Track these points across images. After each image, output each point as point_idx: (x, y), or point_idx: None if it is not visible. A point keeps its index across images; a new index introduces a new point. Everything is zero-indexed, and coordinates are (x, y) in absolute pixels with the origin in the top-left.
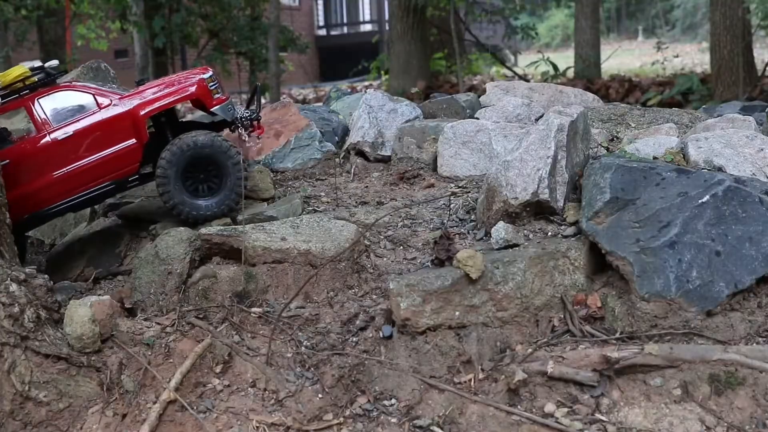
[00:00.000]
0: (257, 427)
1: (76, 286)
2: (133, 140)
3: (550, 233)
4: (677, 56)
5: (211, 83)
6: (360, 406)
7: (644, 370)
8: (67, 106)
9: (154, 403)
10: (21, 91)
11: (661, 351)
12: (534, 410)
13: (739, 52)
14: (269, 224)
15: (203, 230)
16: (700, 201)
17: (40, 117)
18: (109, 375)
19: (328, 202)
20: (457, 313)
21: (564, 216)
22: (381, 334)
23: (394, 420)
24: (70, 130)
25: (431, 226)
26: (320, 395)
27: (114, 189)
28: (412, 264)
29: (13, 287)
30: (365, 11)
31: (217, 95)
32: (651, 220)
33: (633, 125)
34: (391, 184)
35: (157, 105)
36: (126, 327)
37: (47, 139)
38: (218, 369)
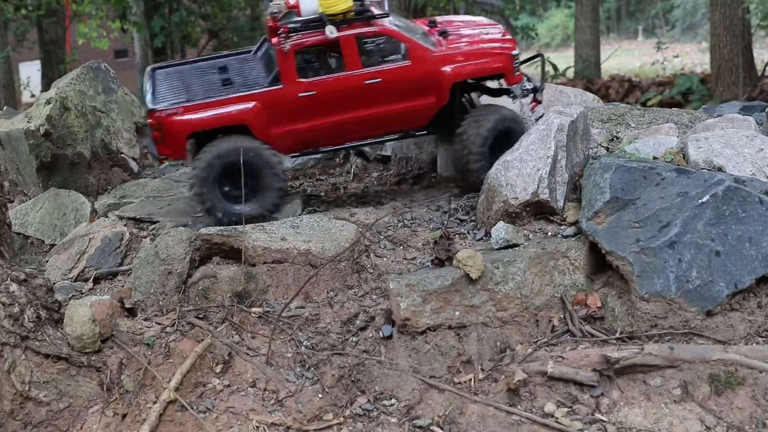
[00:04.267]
0: (257, 427)
1: (76, 286)
2: (433, 99)
3: (550, 233)
4: (677, 56)
5: (516, 61)
6: (360, 406)
7: (644, 370)
8: (381, 52)
9: (154, 403)
10: (340, 25)
11: (661, 351)
12: (534, 410)
13: (739, 52)
14: (269, 224)
15: (203, 230)
16: (700, 201)
17: (353, 56)
18: (109, 375)
19: (328, 202)
20: (457, 313)
21: (564, 216)
22: (381, 334)
23: (394, 420)
24: (378, 76)
25: (431, 226)
26: (320, 395)
27: (397, 138)
28: (412, 264)
29: (13, 287)
30: None
31: (517, 73)
32: (651, 220)
33: (633, 125)
34: (391, 184)
35: (464, 72)
36: (126, 327)
37: (355, 80)
38: (218, 369)
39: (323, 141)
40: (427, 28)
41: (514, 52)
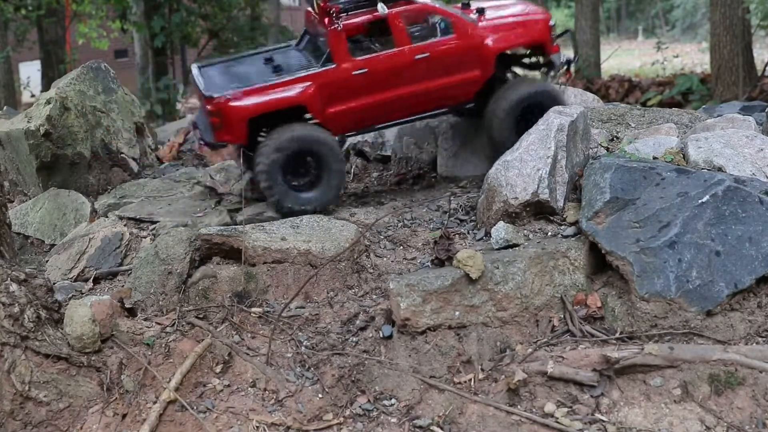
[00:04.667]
0: (257, 427)
1: (76, 286)
2: (479, 72)
3: (550, 233)
4: (677, 56)
5: (553, 31)
6: (360, 406)
7: (644, 370)
8: (428, 27)
9: (154, 403)
10: (388, 2)
11: (661, 351)
12: (534, 410)
13: (739, 52)
14: (269, 224)
15: (203, 230)
16: (700, 201)
17: (402, 33)
18: (109, 375)
19: None
20: (457, 313)
21: (564, 216)
22: (381, 334)
23: (394, 420)
24: (427, 51)
25: (431, 226)
26: (320, 395)
27: (446, 113)
28: (412, 264)
29: (13, 287)
30: None
31: (554, 43)
32: (651, 220)
33: (633, 125)
34: (391, 184)
35: (507, 44)
36: (126, 327)
37: (406, 56)
38: (218, 369)
39: (376, 118)
40: (461, 8)
41: (551, 23)
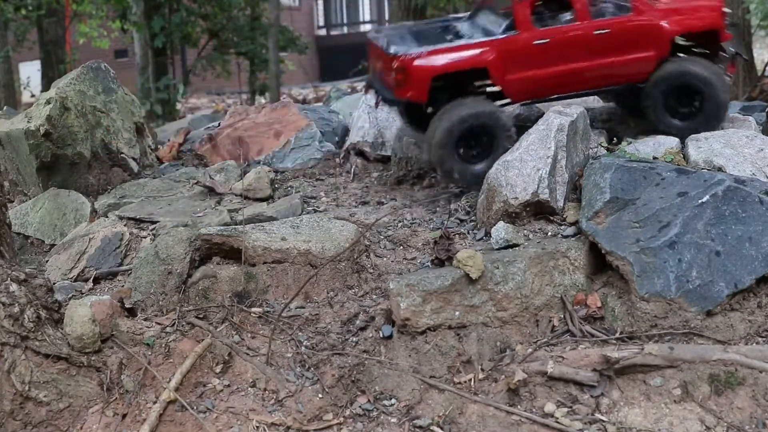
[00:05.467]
0: (257, 427)
1: (76, 286)
2: (653, 53)
3: (550, 233)
4: None
5: (726, 18)
6: (360, 406)
7: (644, 370)
8: (607, 4)
9: (154, 403)
10: None
11: (661, 351)
12: (534, 410)
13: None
14: (269, 224)
15: (203, 230)
16: (700, 201)
17: (583, 8)
18: (109, 375)
19: (328, 202)
20: (457, 313)
21: (564, 216)
22: (381, 334)
23: (394, 420)
24: (607, 27)
25: (431, 226)
26: (320, 395)
27: (617, 90)
28: (412, 264)
29: (13, 287)
30: (365, 11)
31: (727, 30)
32: (651, 220)
33: (633, 125)
34: (391, 184)
35: (683, 27)
36: (126, 327)
37: (586, 30)
38: (218, 369)
39: (552, 89)
40: None
41: (725, 10)
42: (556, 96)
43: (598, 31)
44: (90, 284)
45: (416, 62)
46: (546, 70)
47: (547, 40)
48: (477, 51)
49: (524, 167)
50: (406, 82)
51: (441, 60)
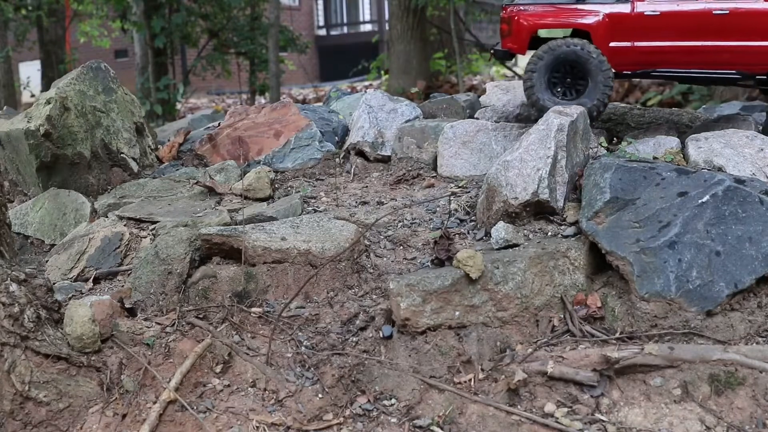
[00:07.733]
0: (257, 427)
1: (76, 286)
2: None
3: (550, 233)
4: None
5: None
6: (360, 406)
7: (644, 370)
8: None
9: (154, 403)
10: None
11: (661, 351)
12: (534, 410)
13: None
14: (269, 224)
15: (203, 230)
16: (700, 201)
17: None
18: (109, 375)
19: (328, 202)
20: (457, 313)
21: (564, 216)
22: (381, 334)
23: (394, 420)
24: (726, 9)
25: (431, 226)
26: (320, 395)
27: (736, 79)
28: (412, 264)
29: (13, 287)
30: (365, 11)
31: None
32: (651, 220)
33: (633, 125)
34: (391, 184)
35: None
36: (126, 327)
37: (703, 8)
38: (218, 369)
39: (656, 63)
40: None
41: None
42: (659, 72)
43: (716, 11)
44: (90, 284)
45: (522, 16)
46: (653, 42)
47: (659, 12)
48: (582, 14)
49: (524, 167)
50: (510, 33)
51: (545, 18)
